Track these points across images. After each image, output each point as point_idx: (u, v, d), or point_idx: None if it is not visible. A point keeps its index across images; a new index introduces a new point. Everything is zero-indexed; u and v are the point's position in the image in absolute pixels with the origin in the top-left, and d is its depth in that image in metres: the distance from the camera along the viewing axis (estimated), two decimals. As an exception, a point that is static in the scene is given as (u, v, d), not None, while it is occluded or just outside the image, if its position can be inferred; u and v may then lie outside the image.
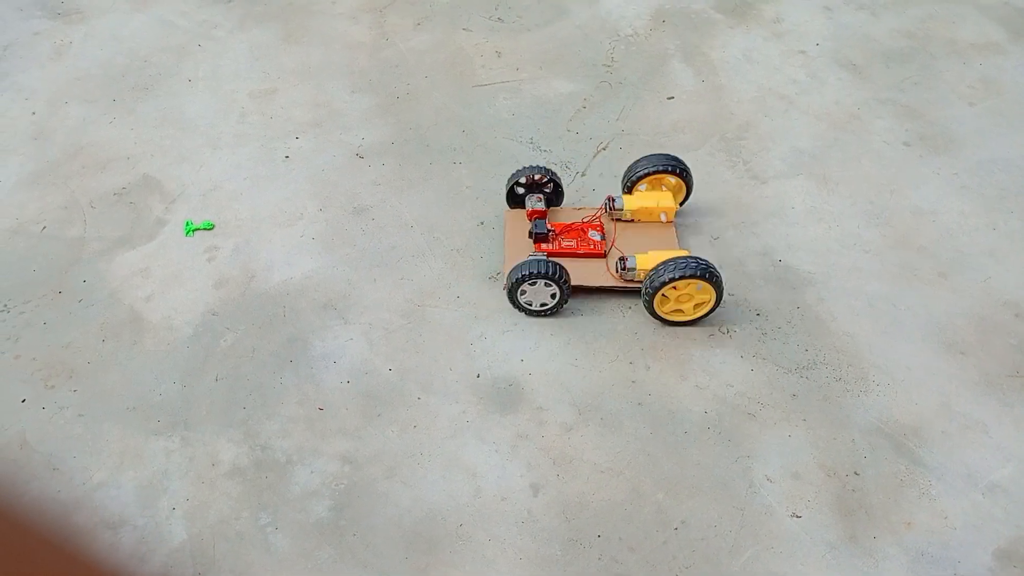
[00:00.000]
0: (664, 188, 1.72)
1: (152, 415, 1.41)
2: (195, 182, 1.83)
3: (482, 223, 1.75)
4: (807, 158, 1.91)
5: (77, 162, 1.87)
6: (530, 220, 1.67)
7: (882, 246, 1.72)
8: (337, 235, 1.72)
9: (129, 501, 1.30)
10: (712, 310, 1.53)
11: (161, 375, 1.47)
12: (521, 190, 1.70)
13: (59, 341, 1.52)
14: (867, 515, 1.30)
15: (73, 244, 1.70)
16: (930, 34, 2.27)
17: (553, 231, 1.65)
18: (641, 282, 1.54)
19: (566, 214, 1.72)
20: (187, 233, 1.72)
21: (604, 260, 1.62)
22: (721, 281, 1.49)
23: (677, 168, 1.69)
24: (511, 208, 1.73)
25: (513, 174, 1.70)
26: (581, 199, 1.81)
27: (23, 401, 1.43)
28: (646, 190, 1.71)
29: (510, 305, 1.57)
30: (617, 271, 1.58)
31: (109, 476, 1.33)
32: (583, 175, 1.87)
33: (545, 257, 1.56)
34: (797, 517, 1.30)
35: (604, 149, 1.93)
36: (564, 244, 1.63)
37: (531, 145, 1.93)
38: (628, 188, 1.72)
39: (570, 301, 1.57)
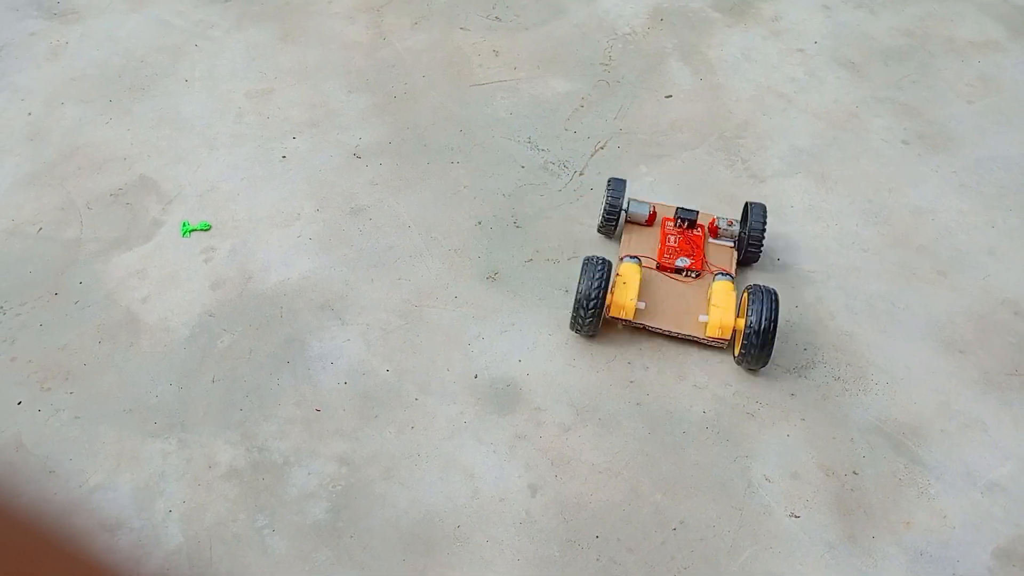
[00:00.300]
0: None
1: (149, 417, 1.41)
2: (192, 183, 1.82)
3: (480, 223, 1.75)
4: (806, 157, 1.91)
5: (73, 163, 1.86)
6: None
7: (881, 245, 1.71)
8: (334, 235, 1.72)
9: (125, 504, 1.29)
10: None
11: (158, 377, 1.47)
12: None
13: (55, 343, 1.52)
14: (866, 514, 1.30)
15: (69, 245, 1.69)
16: (929, 32, 2.27)
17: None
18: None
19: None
20: (184, 234, 1.71)
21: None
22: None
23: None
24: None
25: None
26: (579, 198, 1.80)
27: (19, 403, 1.43)
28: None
29: (507, 306, 1.56)
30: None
31: (105, 478, 1.33)
32: (581, 174, 1.86)
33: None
34: (796, 517, 1.30)
35: (602, 148, 1.93)
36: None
37: (529, 144, 1.93)
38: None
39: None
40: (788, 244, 1.71)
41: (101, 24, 2.25)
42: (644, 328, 1.51)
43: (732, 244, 1.66)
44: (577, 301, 1.44)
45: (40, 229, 1.72)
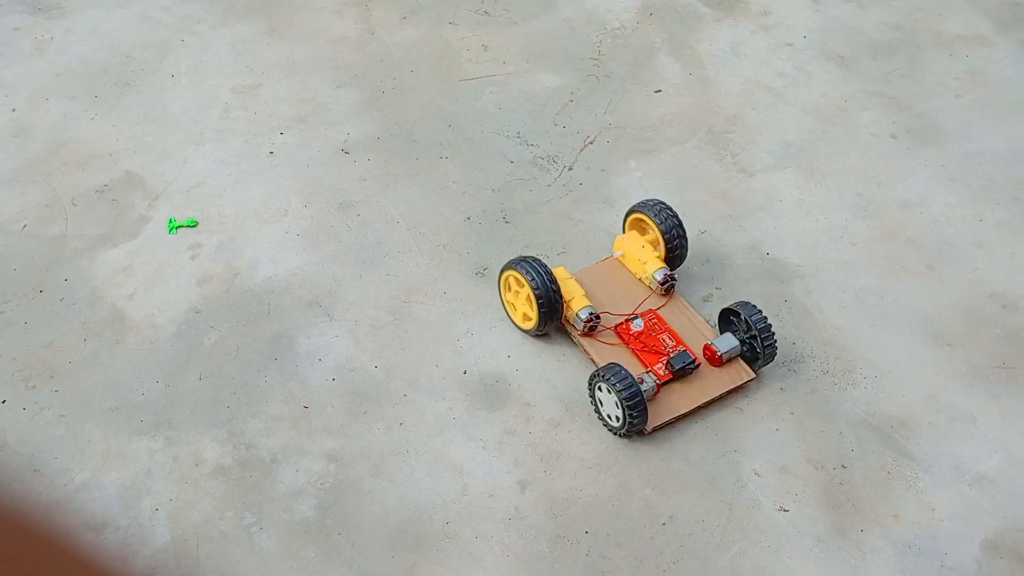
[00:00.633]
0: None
1: (135, 415, 1.40)
2: (178, 179, 1.81)
3: (469, 218, 1.74)
4: (794, 151, 1.91)
5: (58, 159, 1.85)
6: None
7: (870, 238, 1.72)
8: (322, 231, 1.71)
9: (111, 502, 1.29)
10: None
11: (144, 374, 1.46)
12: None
13: (40, 341, 1.51)
14: (854, 508, 1.30)
15: (54, 242, 1.67)
16: (917, 26, 2.27)
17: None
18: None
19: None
20: (170, 230, 1.70)
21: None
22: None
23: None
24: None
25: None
26: (568, 193, 1.80)
27: (3, 402, 1.41)
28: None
29: (496, 301, 1.55)
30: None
31: (91, 477, 1.32)
32: (570, 169, 1.86)
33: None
34: (784, 511, 1.30)
35: (591, 143, 1.92)
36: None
37: (518, 139, 1.92)
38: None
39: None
40: (777, 238, 1.71)
41: (86, 19, 2.23)
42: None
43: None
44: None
45: (24, 226, 1.71)
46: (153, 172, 1.82)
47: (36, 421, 1.39)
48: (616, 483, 1.33)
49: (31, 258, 1.64)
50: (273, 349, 1.49)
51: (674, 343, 1.44)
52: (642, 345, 1.44)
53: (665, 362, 1.39)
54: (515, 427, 1.40)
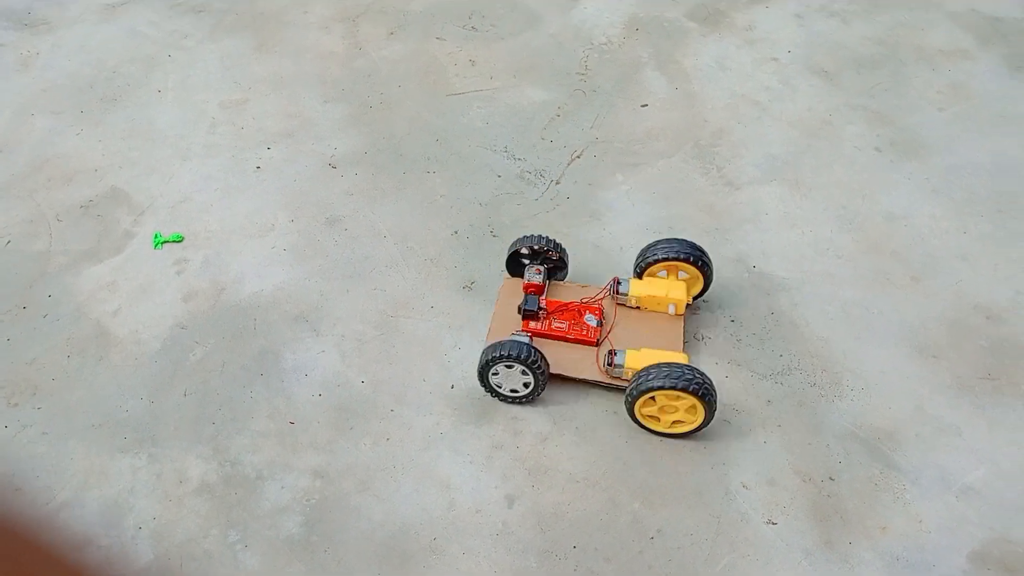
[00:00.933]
0: (682, 276, 1.54)
1: (118, 432, 1.38)
2: (164, 194, 1.80)
3: (456, 232, 1.74)
4: (780, 164, 1.92)
5: (43, 175, 1.84)
6: (525, 293, 1.52)
7: (855, 251, 1.73)
8: (309, 246, 1.70)
9: (94, 521, 1.27)
10: (696, 430, 1.37)
11: (128, 391, 1.44)
12: (525, 260, 1.57)
13: (23, 357, 1.49)
14: (842, 520, 1.30)
15: (38, 258, 1.66)
16: (900, 41, 2.30)
17: (545, 310, 1.50)
18: (628, 381, 1.38)
19: (568, 291, 1.57)
20: (156, 246, 1.69)
21: (595, 349, 1.47)
22: (715, 402, 1.32)
23: (697, 259, 1.50)
24: (511, 276, 1.60)
25: (517, 240, 1.56)
26: (555, 207, 1.80)
27: (-15, 420, 1.40)
28: (664, 276, 1.54)
29: (483, 315, 1.55)
30: (604, 365, 1.43)
31: (73, 495, 1.30)
32: (557, 183, 1.86)
33: (528, 339, 1.41)
34: (773, 524, 1.29)
35: (578, 157, 1.93)
36: (555, 326, 1.48)
37: (505, 154, 1.93)
38: (640, 271, 1.54)
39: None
40: (763, 251, 1.72)
41: (73, 35, 2.22)
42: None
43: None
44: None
45: (8, 242, 1.69)
46: (139, 187, 1.82)
47: (18, 439, 1.37)
48: (605, 497, 1.32)
49: (15, 274, 1.63)
50: (259, 364, 1.48)
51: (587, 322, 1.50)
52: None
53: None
54: (503, 441, 1.39)
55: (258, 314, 1.57)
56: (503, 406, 1.43)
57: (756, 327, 1.57)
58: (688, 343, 1.53)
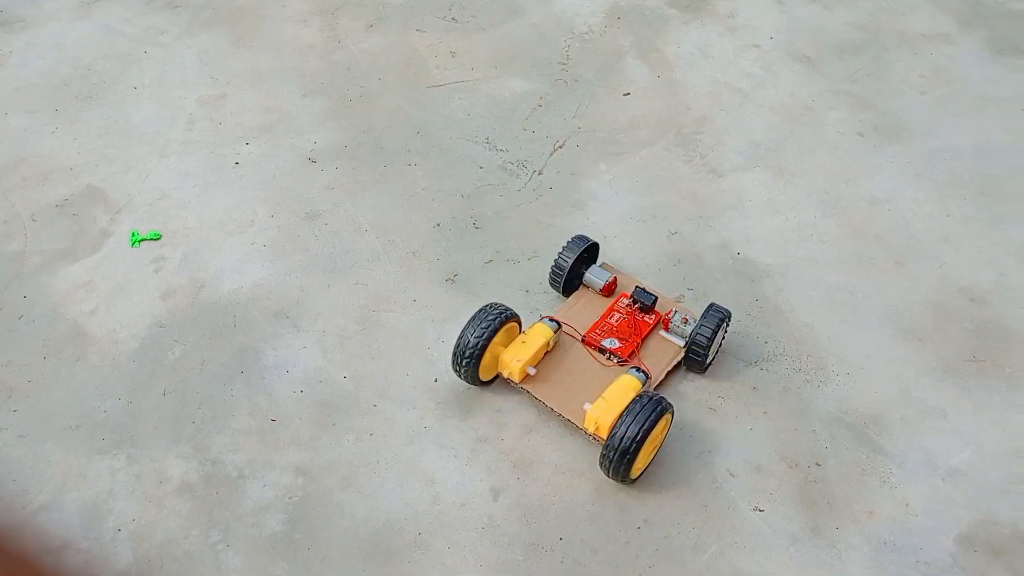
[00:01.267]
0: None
1: (96, 433, 1.36)
2: (141, 191, 1.78)
3: (438, 225, 1.72)
4: (763, 151, 1.91)
5: (17, 174, 1.81)
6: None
7: (839, 236, 1.72)
8: (289, 241, 1.68)
9: (72, 524, 1.25)
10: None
11: (106, 391, 1.42)
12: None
13: (-2, 360, 1.47)
14: (829, 505, 1.29)
15: (13, 258, 1.64)
16: (881, 26, 2.29)
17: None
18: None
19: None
20: (133, 244, 1.66)
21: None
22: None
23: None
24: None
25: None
26: (538, 198, 1.79)
27: (-41, 423, 1.37)
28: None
29: (467, 308, 1.53)
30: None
31: (51, 498, 1.28)
32: (540, 174, 1.85)
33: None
34: (760, 511, 1.29)
35: (561, 147, 1.91)
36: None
37: (487, 145, 1.91)
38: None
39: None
40: (747, 238, 1.71)
41: (47, 32, 2.19)
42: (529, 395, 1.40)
43: (683, 344, 1.45)
44: (456, 347, 1.35)
45: (-18, 243, 1.67)
46: (115, 185, 1.79)
47: (-6, 442, 1.35)
48: (591, 488, 1.31)
49: (-11, 275, 1.60)
50: (239, 362, 1.47)
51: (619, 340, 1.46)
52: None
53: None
54: (487, 434, 1.38)
55: (238, 311, 1.55)
56: (487, 399, 1.42)
57: (741, 314, 1.56)
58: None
